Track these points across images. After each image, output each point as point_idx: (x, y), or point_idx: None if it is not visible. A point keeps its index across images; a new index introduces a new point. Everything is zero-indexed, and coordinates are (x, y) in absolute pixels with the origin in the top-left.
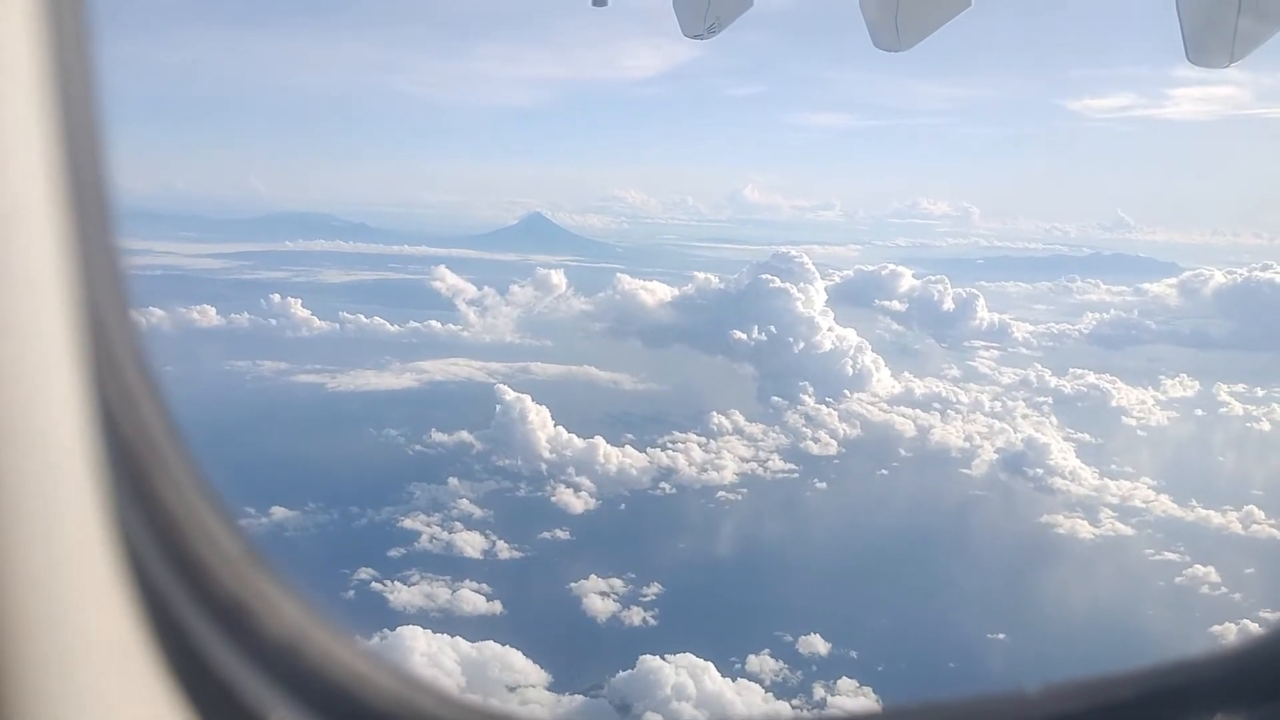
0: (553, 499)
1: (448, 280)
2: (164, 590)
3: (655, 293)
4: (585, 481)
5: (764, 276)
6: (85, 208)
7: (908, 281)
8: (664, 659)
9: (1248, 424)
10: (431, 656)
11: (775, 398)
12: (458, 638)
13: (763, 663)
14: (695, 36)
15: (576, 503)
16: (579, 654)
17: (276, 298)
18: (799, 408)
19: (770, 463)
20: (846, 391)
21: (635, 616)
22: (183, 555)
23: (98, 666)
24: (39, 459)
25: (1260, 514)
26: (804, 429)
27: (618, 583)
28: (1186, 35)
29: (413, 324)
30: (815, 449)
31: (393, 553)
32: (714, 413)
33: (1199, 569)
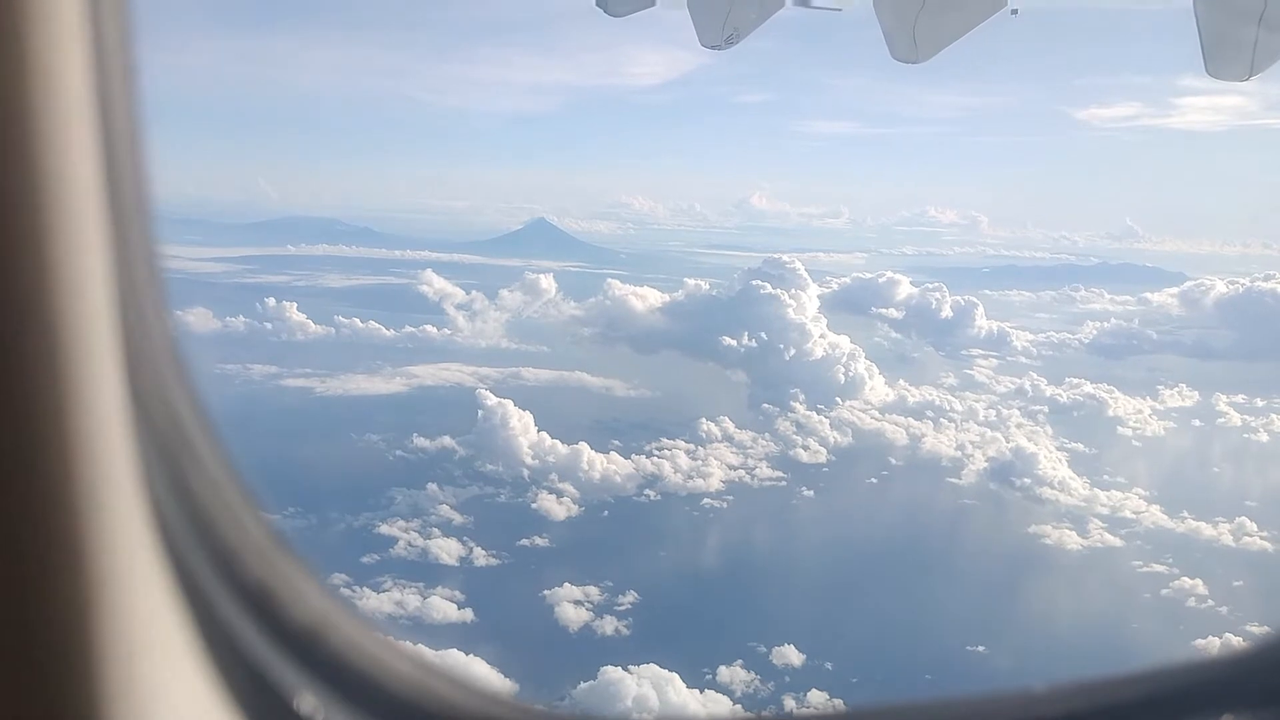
0: (534, 506)
1: (435, 284)
2: (199, 576)
3: (646, 298)
4: (568, 488)
5: (755, 282)
6: (125, 210)
7: (905, 289)
8: (626, 670)
9: (1245, 435)
10: None
11: (766, 405)
12: (420, 646)
13: (734, 674)
14: (713, 47)
15: (558, 509)
16: (547, 664)
17: (272, 301)
18: (790, 415)
19: (758, 470)
20: (838, 399)
21: (608, 626)
22: (215, 542)
23: (142, 649)
24: (83, 451)
25: (1253, 526)
26: (794, 436)
27: (593, 591)
28: (1206, 47)
29: (408, 329)
30: (805, 457)
31: (366, 559)
32: (703, 419)
33: (1187, 581)
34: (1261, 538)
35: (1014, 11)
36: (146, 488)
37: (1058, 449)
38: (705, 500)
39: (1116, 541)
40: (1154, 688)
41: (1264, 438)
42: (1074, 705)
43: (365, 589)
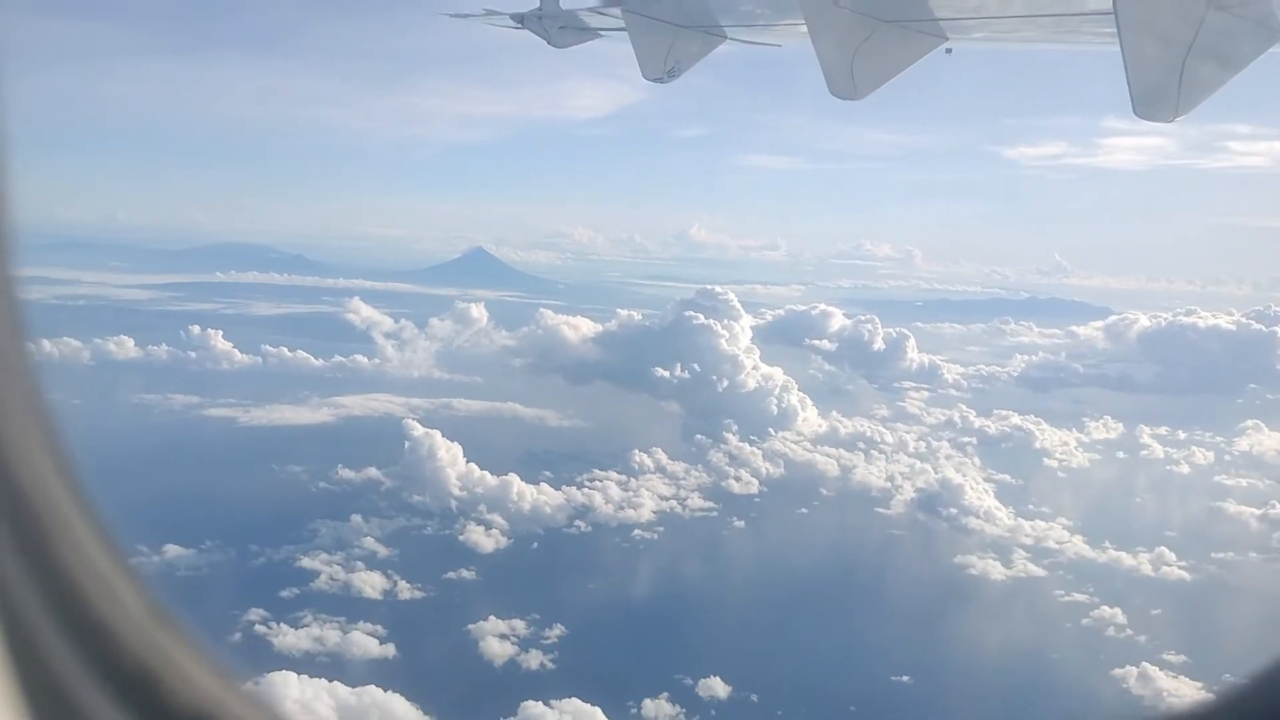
0: (461, 538)
1: (362, 312)
2: (53, 658)
3: (579, 328)
4: (497, 519)
5: (688, 314)
6: None
7: (838, 321)
8: (548, 705)
9: (1167, 466)
10: (305, 704)
11: (699, 436)
12: (336, 683)
13: (659, 707)
14: (655, 80)
15: (487, 541)
16: (468, 699)
17: (196, 329)
18: (722, 446)
19: (690, 501)
20: (771, 430)
21: (534, 660)
22: (78, 617)
23: None
24: None
25: (1171, 555)
26: (726, 467)
27: (519, 624)
28: (1133, 90)
29: (338, 358)
30: (737, 488)
31: (285, 593)
32: (636, 450)
33: (1106, 610)
34: (1180, 567)
35: (949, 50)
36: None
37: (985, 480)
38: (636, 531)
39: (1040, 571)
40: None
41: (1185, 469)
42: None
43: (284, 624)
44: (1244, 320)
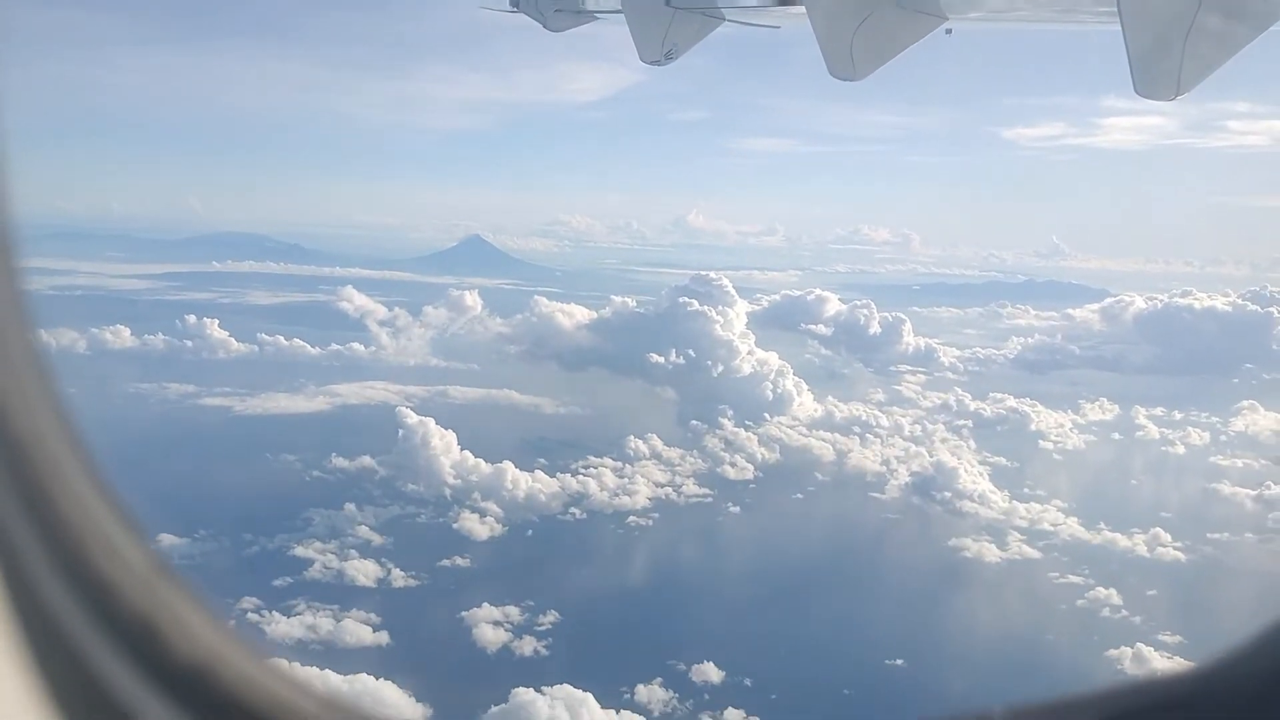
0: (455, 525)
1: (355, 301)
2: (55, 608)
3: (573, 315)
4: (492, 507)
5: (682, 300)
6: None
7: (834, 306)
8: (539, 691)
9: (1163, 447)
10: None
11: (694, 421)
12: (327, 670)
13: (652, 692)
14: (653, 63)
15: (481, 529)
16: (461, 686)
17: (192, 319)
18: (718, 432)
19: (685, 487)
20: (766, 415)
21: (527, 646)
22: (80, 569)
23: None
24: None
25: (1167, 537)
26: (722, 453)
27: (513, 611)
28: (1134, 69)
29: (334, 346)
30: (732, 473)
31: (279, 582)
32: (631, 437)
33: (1101, 591)
34: (1175, 548)
35: (949, 31)
36: None
37: (980, 463)
38: (631, 518)
39: (1035, 553)
40: (1119, 706)
41: (1180, 450)
42: None
43: (276, 613)
44: (1240, 301)
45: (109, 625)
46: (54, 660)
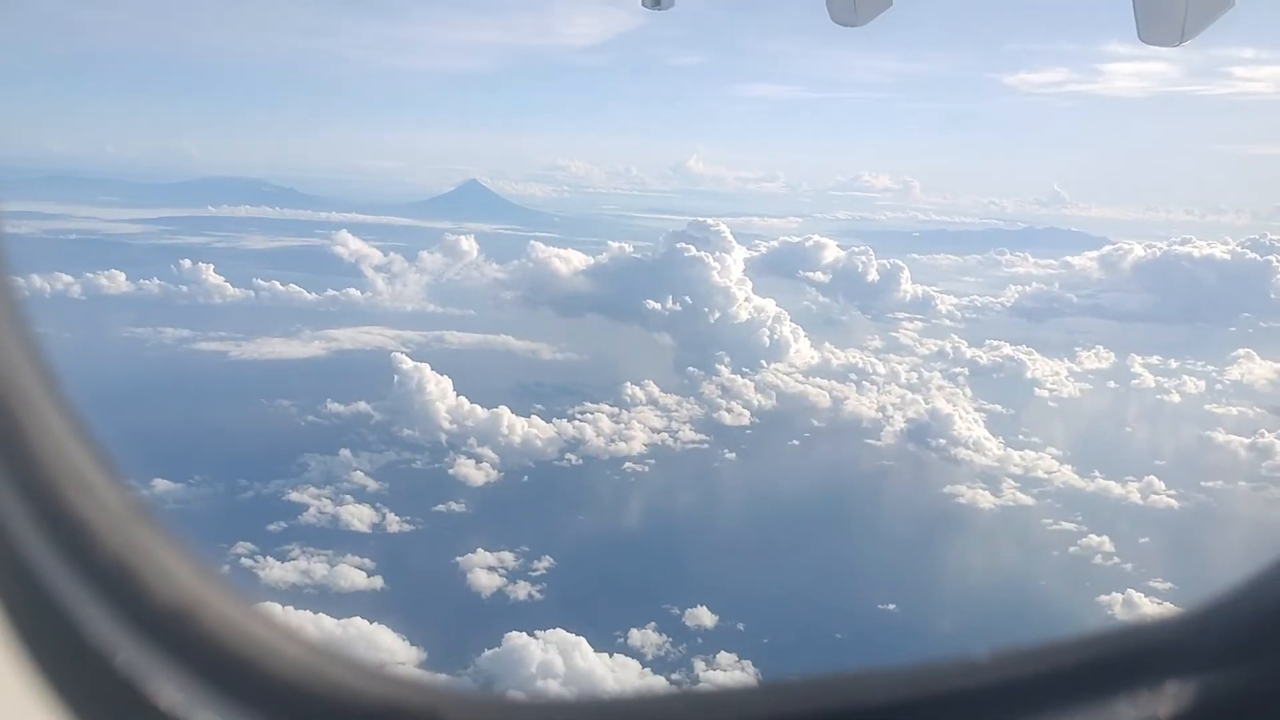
0: (451, 471)
1: (350, 245)
2: (28, 550)
3: (570, 261)
4: (487, 453)
5: (679, 246)
6: None
7: (832, 253)
8: (532, 635)
9: (1158, 396)
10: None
11: (691, 368)
12: (321, 615)
13: (645, 637)
14: (652, 6)
15: (477, 475)
16: (456, 631)
17: (188, 263)
18: (714, 378)
19: (681, 434)
20: (763, 362)
21: (521, 591)
22: (55, 511)
23: None
24: None
25: (1160, 484)
26: (718, 399)
27: (508, 556)
28: (1139, 13)
29: (331, 291)
30: (728, 420)
31: (273, 527)
32: (628, 383)
33: (1094, 539)
34: (1169, 496)
35: None
36: None
37: (976, 410)
38: (627, 464)
39: (1028, 500)
40: (1100, 652)
41: (1176, 398)
42: (1020, 671)
43: (271, 558)
44: (1239, 249)
45: (85, 567)
46: (28, 604)
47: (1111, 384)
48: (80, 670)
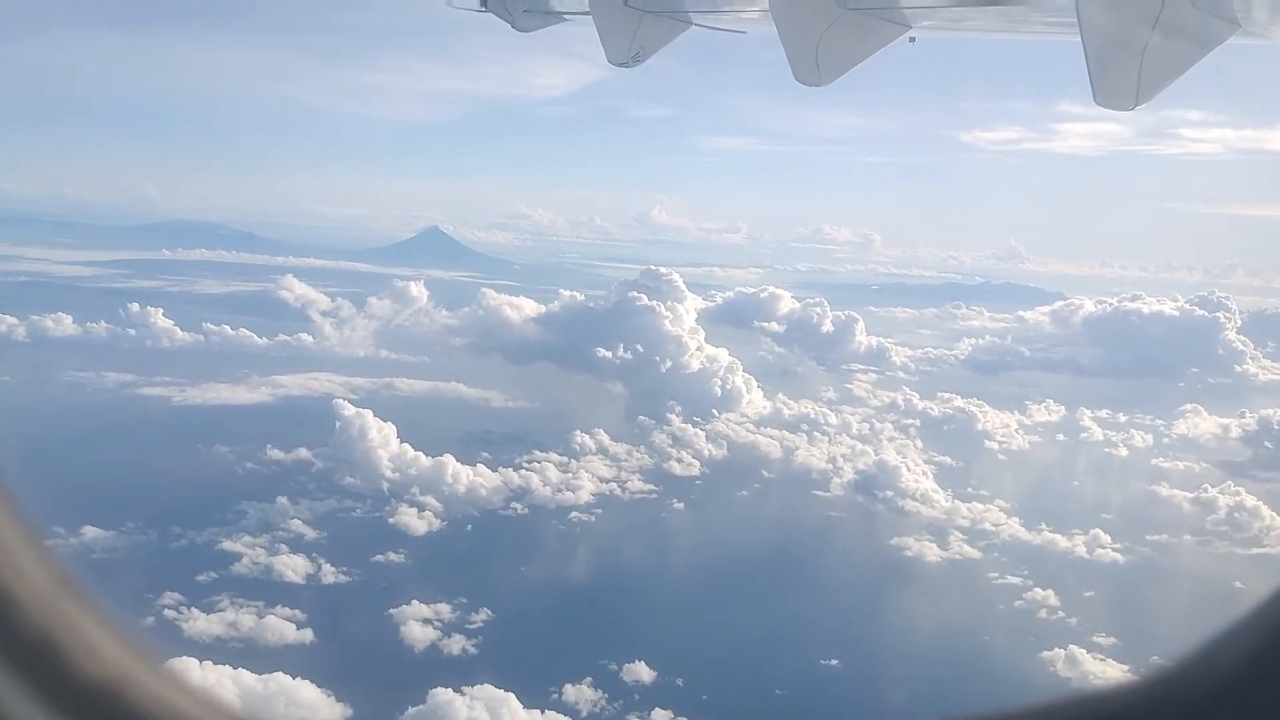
0: (391, 520)
1: (296, 290)
2: None
3: (521, 308)
4: (431, 501)
5: (631, 294)
6: None
7: (788, 304)
8: (459, 692)
9: (1106, 449)
10: (209, 688)
11: (642, 417)
12: (241, 670)
13: (580, 692)
14: (621, 65)
15: (419, 524)
16: (384, 687)
17: (136, 307)
18: (665, 428)
19: (630, 483)
20: (715, 411)
21: (455, 645)
22: None
23: None
24: None
25: (1106, 538)
26: (669, 449)
27: (444, 609)
28: (1094, 80)
29: (282, 337)
30: (678, 469)
31: (202, 577)
32: (578, 431)
33: (1039, 592)
34: (1114, 550)
35: (912, 39)
36: None
37: (926, 462)
38: (574, 513)
39: (975, 553)
40: (1078, 715)
41: (1123, 452)
42: None
43: (196, 609)
44: (1188, 306)
45: (4, 644)
46: None
47: (1060, 437)
48: None
